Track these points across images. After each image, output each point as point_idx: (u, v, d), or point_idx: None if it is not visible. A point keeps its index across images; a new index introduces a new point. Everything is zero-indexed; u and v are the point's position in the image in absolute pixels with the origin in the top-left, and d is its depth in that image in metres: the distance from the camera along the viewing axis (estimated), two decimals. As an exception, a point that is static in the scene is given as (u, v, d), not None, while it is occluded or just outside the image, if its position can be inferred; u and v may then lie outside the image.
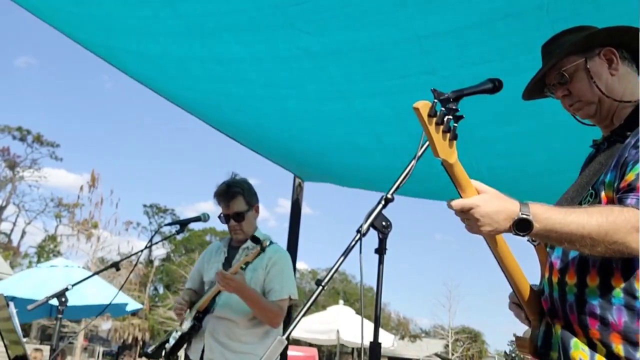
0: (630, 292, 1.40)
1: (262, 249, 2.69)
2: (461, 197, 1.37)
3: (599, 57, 1.62)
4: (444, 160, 1.33)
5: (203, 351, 2.85)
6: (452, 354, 37.54)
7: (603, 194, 1.48)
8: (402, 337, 38.16)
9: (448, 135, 1.31)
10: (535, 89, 1.75)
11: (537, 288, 1.62)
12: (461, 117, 1.31)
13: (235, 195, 2.94)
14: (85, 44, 3.41)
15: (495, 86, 1.57)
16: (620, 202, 1.39)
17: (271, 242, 2.97)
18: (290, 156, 4.79)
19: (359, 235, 1.39)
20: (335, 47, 2.84)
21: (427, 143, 1.40)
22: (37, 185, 40.48)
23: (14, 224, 39.82)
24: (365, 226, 1.41)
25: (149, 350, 2.98)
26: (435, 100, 1.30)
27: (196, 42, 2.99)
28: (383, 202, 1.46)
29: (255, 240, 2.74)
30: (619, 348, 1.39)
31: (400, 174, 1.50)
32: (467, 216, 1.35)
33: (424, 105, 1.28)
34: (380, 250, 1.47)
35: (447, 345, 38.75)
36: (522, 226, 1.32)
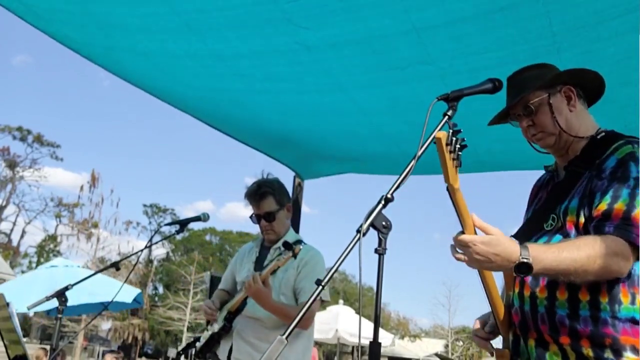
0: (595, 305, 1.57)
1: (294, 256, 2.62)
2: (461, 224, 1.49)
3: (560, 94, 1.79)
4: (450, 185, 1.45)
5: (231, 351, 2.82)
6: (452, 354, 37.54)
7: (568, 218, 1.67)
8: (402, 337, 38.14)
9: (455, 162, 1.42)
10: (500, 117, 1.92)
11: (504, 303, 1.77)
12: (465, 146, 1.43)
13: (266, 195, 2.89)
14: (81, 49, 3.41)
15: (495, 86, 1.67)
16: (598, 229, 1.57)
17: (303, 244, 2.91)
18: (289, 146, 4.79)
19: (358, 235, 1.40)
20: (333, 41, 2.84)
21: (428, 143, 1.49)
22: (37, 185, 40.51)
23: (14, 223, 39.84)
24: (365, 226, 1.41)
25: (179, 349, 2.97)
26: (451, 131, 1.42)
27: (195, 39, 2.99)
28: (383, 202, 1.47)
29: (288, 246, 2.65)
30: (589, 351, 1.56)
31: (400, 173, 1.51)
32: (465, 250, 1.48)
33: (444, 136, 1.40)
34: (380, 250, 1.47)
35: (447, 345, 38.76)
36: (522, 269, 1.46)
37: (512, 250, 1.45)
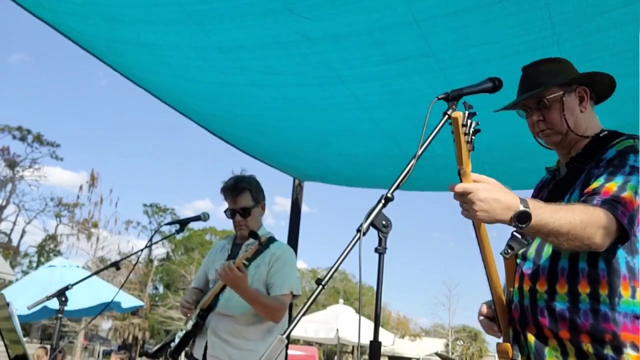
0: (594, 298, 1.57)
1: (260, 244, 2.70)
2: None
3: (574, 93, 1.81)
4: (463, 169, 1.41)
5: (206, 348, 2.85)
6: (452, 353, 37.56)
7: None
8: (402, 336, 38.15)
9: (469, 146, 1.40)
10: (508, 105, 1.89)
11: (505, 298, 1.74)
12: (479, 130, 1.40)
13: (243, 190, 2.97)
14: (83, 41, 3.40)
15: (495, 85, 1.65)
16: (586, 203, 1.55)
17: (274, 240, 2.98)
18: (289, 154, 4.77)
19: (359, 234, 1.39)
20: (334, 32, 2.84)
21: (428, 142, 1.48)
22: (36, 185, 40.50)
23: (14, 223, 39.73)
24: (365, 225, 1.40)
25: (151, 350, 2.99)
26: (467, 112, 1.39)
27: (197, 29, 2.99)
28: (383, 201, 1.46)
29: (254, 235, 2.75)
30: (588, 346, 1.55)
31: (400, 172, 1.50)
32: (465, 199, 1.42)
33: (460, 116, 1.37)
34: (380, 250, 1.46)
35: (447, 344, 38.78)
36: (522, 218, 1.41)
37: (513, 198, 1.42)
